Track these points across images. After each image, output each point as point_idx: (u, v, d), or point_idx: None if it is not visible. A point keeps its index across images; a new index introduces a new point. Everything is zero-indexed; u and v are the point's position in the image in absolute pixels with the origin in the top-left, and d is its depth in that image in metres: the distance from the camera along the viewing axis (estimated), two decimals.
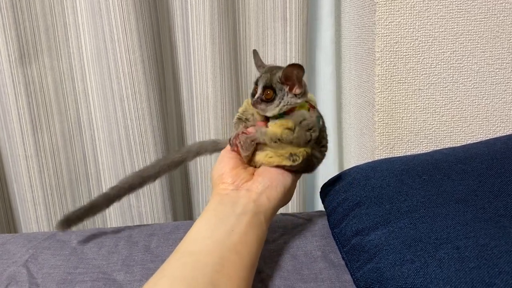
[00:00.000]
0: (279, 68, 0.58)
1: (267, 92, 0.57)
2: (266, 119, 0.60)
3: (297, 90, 0.57)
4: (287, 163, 0.57)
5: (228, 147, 0.61)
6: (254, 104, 0.58)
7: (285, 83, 0.57)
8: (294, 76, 0.56)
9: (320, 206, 0.81)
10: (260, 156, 0.59)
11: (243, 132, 0.58)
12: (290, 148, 0.57)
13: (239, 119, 0.61)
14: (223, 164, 0.58)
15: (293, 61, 0.93)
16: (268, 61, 0.95)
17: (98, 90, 0.97)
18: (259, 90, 0.57)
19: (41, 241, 0.69)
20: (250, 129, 0.59)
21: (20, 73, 0.91)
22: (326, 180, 0.72)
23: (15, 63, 0.90)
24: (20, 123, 0.93)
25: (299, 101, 0.57)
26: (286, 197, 0.58)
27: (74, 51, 0.96)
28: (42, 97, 0.95)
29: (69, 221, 0.67)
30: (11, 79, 0.91)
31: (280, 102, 0.57)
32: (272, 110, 0.57)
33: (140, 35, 0.88)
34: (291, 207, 1.03)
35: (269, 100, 0.57)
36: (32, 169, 0.96)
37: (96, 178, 1.04)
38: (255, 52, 0.63)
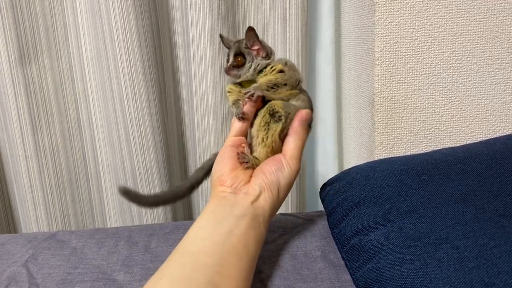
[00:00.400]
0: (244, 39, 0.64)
1: (238, 58, 0.63)
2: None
3: (263, 53, 0.63)
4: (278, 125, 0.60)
5: (226, 144, 0.61)
6: (227, 71, 0.63)
7: (252, 48, 0.63)
8: (254, 37, 0.62)
9: (319, 206, 0.81)
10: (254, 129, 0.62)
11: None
12: (285, 93, 0.62)
13: (237, 100, 0.64)
14: (223, 165, 0.58)
15: (294, 61, 0.93)
16: None
17: (98, 91, 0.97)
18: (231, 59, 0.64)
19: (41, 241, 0.69)
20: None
21: (20, 73, 0.91)
22: (325, 180, 0.72)
23: (15, 63, 0.90)
24: (20, 123, 0.93)
25: (268, 61, 0.64)
26: (281, 197, 0.58)
27: (74, 52, 0.96)
28: (42, 97, 0.95)
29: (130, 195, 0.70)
30: (10, 79, 0.91)
31: (251, 65, 0.63)
32: (245, 73, 0.63)
33: (140, 35, 0.88)
34: (291, 207, 1.03)
35: (240, 66, 0.63)
36: (32, 169, 0.96)
37: (96, 178, 1.04)
38: (221, 36, 0.68)
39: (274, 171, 0.58)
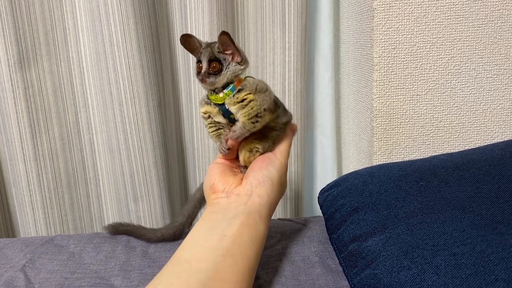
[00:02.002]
0: (215, 42, 0.59)
1: (213, 64, 0.58)
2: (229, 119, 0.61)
3: (238, 58, 0.59)
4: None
5: (216, 160, 0.64)
6: (202, 80, 0.58)
7: (224, 52, 0.59)
8: (229, 42, 0.58)
9: (318, 211, 0.81)
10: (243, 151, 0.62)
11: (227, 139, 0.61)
12: (267, 119, 0.59)
13: (218, 129, 0.62)
14: (212, 175, 0.60)
15: (293, 66, 0.93)
16: (267, 65, 0.95)
17: (97, 95, 0.97)
18: (204, 65, 0.58)
19: (38, 246, 0.69)
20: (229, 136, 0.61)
21: (19, 77, 0.91)
22: (324, 185, 0.72)
23: (14, 67, 0.90)
24: (19, 127, 0.93)
25: (242, 67, 0.59)
26: (277, 190, 0.59)
27: (74, 56, 0.96)
28: (41, 101, 0.95)
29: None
30: (10, 83, 0.91)
31: (227, 71, 0.58)
32: (221, 81, 0.58)
33: (140, 40, 0.89)
34: (289, 212, 1.03)
35: (216, 72, 0.58)
36: (30, 173, 0.96)
37: (95, 182, 1.04)
38: (188, 36, 0.61)
39: (265, 165, 0.59)
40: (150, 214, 0.98)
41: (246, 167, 0.62)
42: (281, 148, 0.62)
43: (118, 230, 0.73)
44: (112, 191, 1.02)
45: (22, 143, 0.94)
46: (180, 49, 0.97)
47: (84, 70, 0.97)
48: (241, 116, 0.58)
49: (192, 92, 0.97)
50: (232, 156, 0.63)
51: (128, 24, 0.87)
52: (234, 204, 0.55)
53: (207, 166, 1.00)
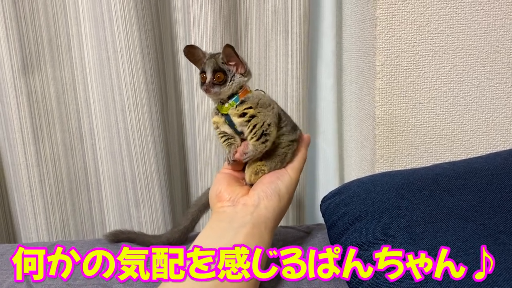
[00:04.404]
0: (219, 53, 0.60)
1: (217, 75, 0.59)
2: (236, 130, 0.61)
3: (241, 69, 0.60)
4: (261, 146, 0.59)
5: (223, 169, 0.64)
6: (207, 90, 0.59)
7: (228, 64, 0.59)
8: (233, 54, 0.58)
9: (320, 218, 0.81)
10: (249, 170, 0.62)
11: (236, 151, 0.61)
12: (274, 134, 0.59)
13: (228, 139, 0.62)
14: (219, 183, 0.60)
15: (295, 74, 0.93)
16: (269, 73, 0.96)
17: (100, 101, 0.97)
18: (209, 76, 0.59)
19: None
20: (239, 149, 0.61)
21: (22, 83, 0.91)
22: (326, 192, 0.72)
23: (18, 73, 0.91)
24: (22, 133, 0.94)
25: (245, 79, 0.60)
26: (283, 204, 0.59)
27: (77, 62, 0.97)
28: (44, 106, 0.95)
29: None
30: (13, 89, 0.91)
31: (232, 83, 0.59)
32: (225, 92, 0.59)
33: (143, 46, 0.89)
34: (291, 219, 1.03)
35: (221, 83, 0.58)
36: (33, 178, 0.96)
37: (97, 188, 1.04)
38: (192, 47, 0.62)
39: (274, 179, 0.59)
40: (152, 220, 0.98)
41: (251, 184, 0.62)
42: (293, 164, 0.62)
43: (119, 238, 0.73)
44: (114, 196, 1.02)
45: (24, 148, 0.94)
46: (183, 56, 0.97)
47: (87, 76, 0.97)
48: (249, 139, 0.59)
49: (195, 98, 0.98)
50: (238, 167, 0.63)
51: (131, 31, 0.87)
52: (240, 214, 0.54)
53: (209, 172, 1.00)
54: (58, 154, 0.98)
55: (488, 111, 0.78)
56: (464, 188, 0.59)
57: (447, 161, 0.77)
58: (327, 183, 1.05)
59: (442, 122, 0.78)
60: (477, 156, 0.74)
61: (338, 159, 1.03)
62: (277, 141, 0.61)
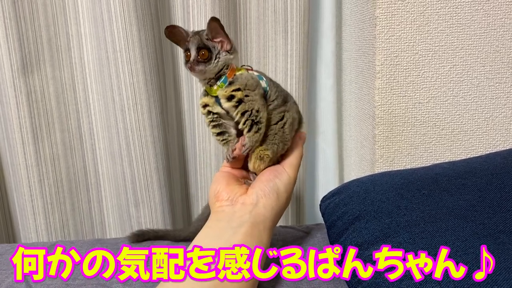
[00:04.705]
0: (203, 30, 0.58)
1: (202, 52, 0.57)
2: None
3: (227, 46, 0.58)
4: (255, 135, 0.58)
5: (222, 167, 0.64)
6: (191, 68, 0.57)
7: (213, 40, 0.57)
8: (220, 29, 0.56)
9: (319, 218, 0.81)
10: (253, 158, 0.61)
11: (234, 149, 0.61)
12: (265, 114, 0.58)
13: (219, 125, 0.62)
14: (218, 183, 0.60)
15: (295, 74, 0.93)
16: (269, 73, 0.96)
17: (100, 101, 0.97)
18: (193, 53, 0.57)
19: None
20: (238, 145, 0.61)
21: (22, 82, 0.91)
22: (325, 192, 0.72)
23: (17, 72, 0.91)
24: (21, 132, 0.94)
25: (231, 56, 0.58)
26: (281, 203, 0.59)
27: (76, 62, 0.97)
28: (43, 106, 0.95)
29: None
30: (13, 89, 0.91)
31: (217, 60, 0.57)
32: (211, 70, 0.57)
33: (142, 46, 0.89)
34: (291, 219, 1.02)
35: (206, 60, 0.56)
36: (32, 178, 0.96)
37: (96, 188, 1.04)
38: (173, 27, 0.60)
39: (272, 178, 0.59)
40: (151, 220, 0.98)
41: (255, 174, 0.62)
42: (290, 160, 0.62)
43: (145, 237, 0.74)
44: (114, 196, 1.02)
45: (24, 148, 0.94)
46: (183, 56, 0.97)
47: (87, 76, 0.97)
48: (244, 131, 0.58)
49: (194, 99, 0.98)
50: (238, 165, 0.63)
51: (131, 30, 0.87)
52: (239, 213, 0.54)
53: (209, 172, 1.00)
54: (58, 154, 0.98)
55: (488, 110, 0.78)
56: (463, 188, 0.59)
57: (446, 160, 0.77)
58: (326, 183, 1.05)
59: (442, 121, 0.78)
60: (476, 155, 0.74)
61: (338, 159, 1.03)
62: (268, 117, 0.60)
